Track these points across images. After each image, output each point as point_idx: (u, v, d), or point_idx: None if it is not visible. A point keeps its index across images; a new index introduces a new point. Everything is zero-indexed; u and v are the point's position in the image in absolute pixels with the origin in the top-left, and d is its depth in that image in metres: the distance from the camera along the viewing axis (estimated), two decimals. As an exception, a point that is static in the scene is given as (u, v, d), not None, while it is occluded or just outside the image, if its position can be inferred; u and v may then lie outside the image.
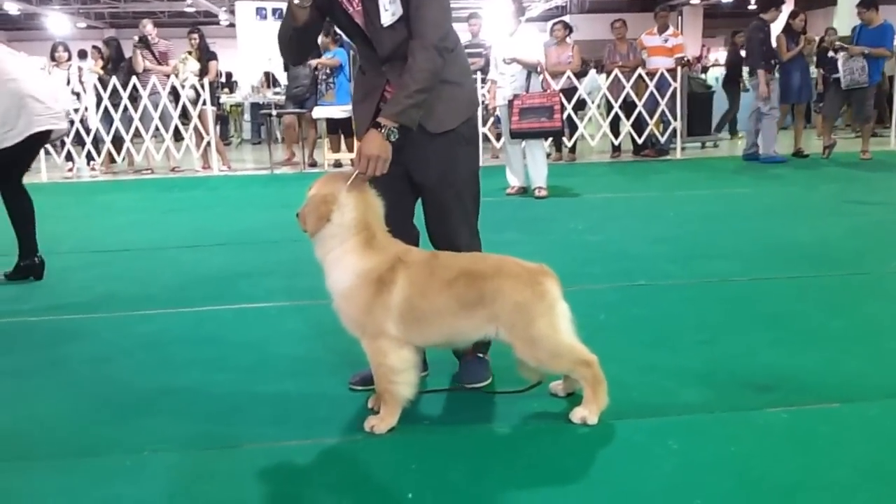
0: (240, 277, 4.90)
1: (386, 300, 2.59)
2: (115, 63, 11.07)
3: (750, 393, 2.87)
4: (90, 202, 8.94)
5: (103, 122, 10.88)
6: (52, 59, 10.85)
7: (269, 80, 14.27)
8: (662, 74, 10.62)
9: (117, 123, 10.65)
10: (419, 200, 3.03)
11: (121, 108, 10.53)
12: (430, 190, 2.93)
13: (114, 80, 10.55)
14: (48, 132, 4.86)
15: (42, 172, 11.06)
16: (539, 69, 7.69)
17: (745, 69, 10.81)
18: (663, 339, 3.51)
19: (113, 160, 11.23)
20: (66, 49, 11.12)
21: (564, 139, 10.76)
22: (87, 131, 10.98)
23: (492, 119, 10.64)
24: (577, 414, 2.65)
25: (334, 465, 2.48)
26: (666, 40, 10.96)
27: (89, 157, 11.19)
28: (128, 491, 2.34)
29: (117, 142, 10.97)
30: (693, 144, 11.92)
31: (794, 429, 2.59)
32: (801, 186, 8.19)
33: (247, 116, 16.88)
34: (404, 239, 2.80)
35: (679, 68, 10.91)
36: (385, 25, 2.70)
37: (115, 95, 10.59)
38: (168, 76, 10.80)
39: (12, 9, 23.35)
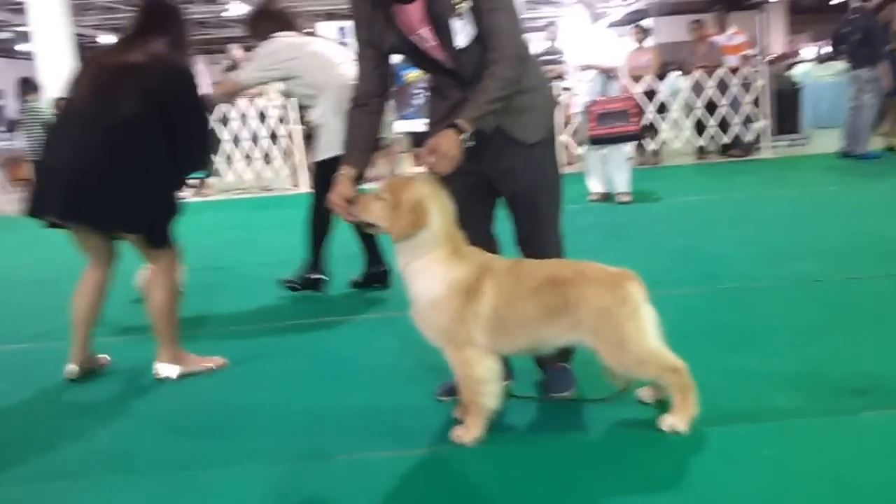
0: (332, 291, 5.01)
1: (475, 309, 2.61)
2: None
3: (844, 397, 2.80)
4: (187, 222, 9.23)
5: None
6: None
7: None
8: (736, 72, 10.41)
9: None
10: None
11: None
12: (522, 197, 2.93)
13: None
14: None
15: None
16: (615, 73, 7.63)
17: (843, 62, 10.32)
18: (752, 343, 3.44)
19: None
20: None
21: (645, 142, 10.62)
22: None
23: (572, 126, 10.57)
24: (666, 422, 2.62)
25: (421, 477, 2.52)
26: (730, 38, 10.84)
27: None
28: None
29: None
30: (782, 143, 11.58)
31: (892, 433, 2.51)
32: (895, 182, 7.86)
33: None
34: (488, 249, 2.82)
35: (767, 66, 10.62)
36: (460, 47, 2.72)
37: None
38: (253, 98, 11.12)
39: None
